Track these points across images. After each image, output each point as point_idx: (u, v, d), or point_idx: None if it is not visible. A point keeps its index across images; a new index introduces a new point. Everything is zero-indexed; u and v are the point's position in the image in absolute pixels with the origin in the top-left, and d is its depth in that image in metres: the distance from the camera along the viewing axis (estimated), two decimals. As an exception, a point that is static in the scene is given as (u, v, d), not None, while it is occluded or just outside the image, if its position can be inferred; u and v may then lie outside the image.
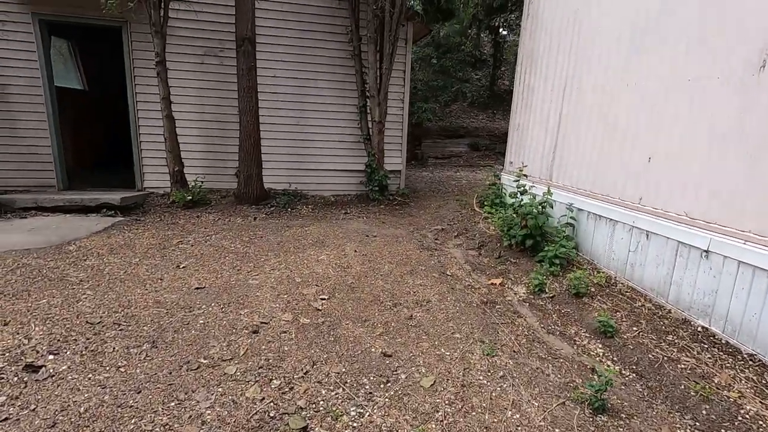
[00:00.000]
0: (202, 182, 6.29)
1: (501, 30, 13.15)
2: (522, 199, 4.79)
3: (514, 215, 4.69)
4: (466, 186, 9.28)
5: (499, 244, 4.81)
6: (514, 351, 2.86)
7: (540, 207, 4.37)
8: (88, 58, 7.93)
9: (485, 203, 6.28)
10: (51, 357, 2.47)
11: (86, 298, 3.20)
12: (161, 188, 6.46)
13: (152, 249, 4.31)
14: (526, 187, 4.75)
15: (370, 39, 6.11)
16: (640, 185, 3.70)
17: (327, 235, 5.06)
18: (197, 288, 3.47)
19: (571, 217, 4.53)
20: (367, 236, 5.06)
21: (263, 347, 2.70)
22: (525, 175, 4.90)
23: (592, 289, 3.76)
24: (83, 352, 2.53)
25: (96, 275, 3.60)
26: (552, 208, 4.45)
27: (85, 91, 7.98)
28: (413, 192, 7.91)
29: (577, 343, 3.06)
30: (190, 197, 5.97)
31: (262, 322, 2.99)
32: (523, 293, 3.84)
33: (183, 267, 3.89)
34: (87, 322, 2.86)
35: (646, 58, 3.66)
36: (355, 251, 4.50)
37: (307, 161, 6.98)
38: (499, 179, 6.56)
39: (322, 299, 3.39)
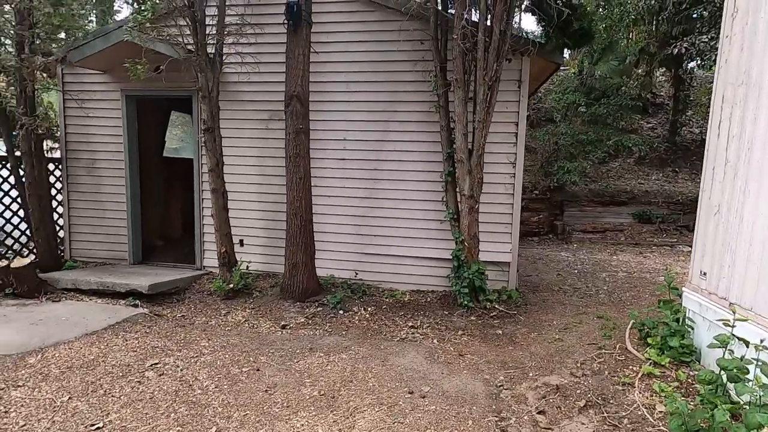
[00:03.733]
0: (248, 266, 5.26)
1: (685, 62, 9.77)
2: (737, 371, 2.17)
3: (725, 414, 2.10)
4: (625, 282, 6.28)
5: (673, 472, 2.24)
6: None
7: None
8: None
9: (650, 339, 3.58)
10: None
11: None
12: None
13: (110, 375, 3.18)
14: (751, 356, 2.11)
15: (457, 83, 4.35)
16: None
17: (353, 377, 3.23)
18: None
19: None
20: (412, 393, 3.04)
21: None
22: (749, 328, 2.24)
23: None
24: None
25: (-17, 429, 2.54)
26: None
27: (185, 159, 8.07)
28: (531, 291, 5.48)
29: None
30: (231, 286, 4.94)
31: None
32: None
33: (98, 428, 2.58)
34: None
35: None
36: (369, 435, 2.56)
37: (377, 244, 5.36)
38: (680, 296, 3.77)
39: None
